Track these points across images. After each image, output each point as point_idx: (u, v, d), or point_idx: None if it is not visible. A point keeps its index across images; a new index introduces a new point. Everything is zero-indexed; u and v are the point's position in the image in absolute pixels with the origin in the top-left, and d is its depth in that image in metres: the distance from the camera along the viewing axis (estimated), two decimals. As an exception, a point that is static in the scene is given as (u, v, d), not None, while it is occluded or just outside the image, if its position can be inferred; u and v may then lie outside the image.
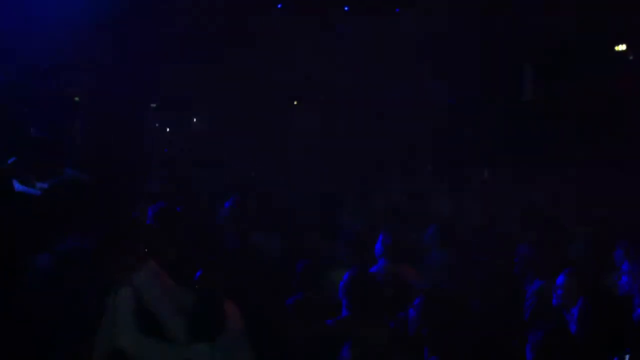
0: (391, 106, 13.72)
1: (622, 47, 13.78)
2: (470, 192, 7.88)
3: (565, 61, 13.14)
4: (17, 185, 7.48)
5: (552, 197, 8.18)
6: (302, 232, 6.86)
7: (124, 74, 11.04)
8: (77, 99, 11.25)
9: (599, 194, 8.38)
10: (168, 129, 13.14)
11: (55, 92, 10.03)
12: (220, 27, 12.40)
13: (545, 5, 12.62)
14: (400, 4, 13.79)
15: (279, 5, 13.62)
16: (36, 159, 8.27)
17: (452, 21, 13.03)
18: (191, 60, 11.96)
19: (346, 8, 13.74)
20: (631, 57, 13.90)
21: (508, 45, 13.09)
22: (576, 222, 6.91)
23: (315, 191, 9.17)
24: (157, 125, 12.78)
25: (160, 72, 11.61)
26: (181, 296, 4.52)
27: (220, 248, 5.62)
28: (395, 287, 5.46)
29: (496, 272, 5.26)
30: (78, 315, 4.64)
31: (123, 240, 4.96)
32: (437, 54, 13.43)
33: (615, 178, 9.46)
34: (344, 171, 10.34)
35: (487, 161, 11.67)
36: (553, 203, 7.91)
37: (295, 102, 14.61)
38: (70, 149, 9.40)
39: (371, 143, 13.16)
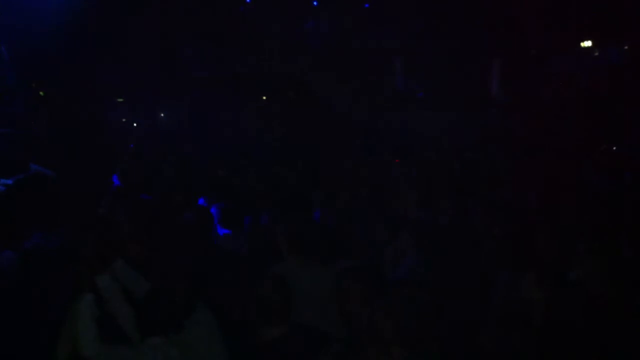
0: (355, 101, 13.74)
1: (587, 44, 13.95)
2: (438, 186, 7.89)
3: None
4: (-15, 183, 7.39)
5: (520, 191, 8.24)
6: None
7: (90, 68, 10.90)
8: (41, 93, 11.10)
9: (565, 187, 8.46)
10: (135, 123, 13.01)
11: (19, 86, 9.86)
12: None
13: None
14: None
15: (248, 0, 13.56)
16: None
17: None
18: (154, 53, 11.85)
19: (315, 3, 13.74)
20: (597, 54, 14.09)
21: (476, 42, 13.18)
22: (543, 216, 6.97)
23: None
24: (123, 119, 12.66)
25: (126, 67, 11.48)
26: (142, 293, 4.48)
27: (186, 244, 5.56)
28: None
29: (465, 268, 5.28)
30: (40, 319, 4.58)
31: (88, 240, 4.90)
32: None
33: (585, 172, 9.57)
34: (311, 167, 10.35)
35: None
36: (520, 197, 7.98)
37: (264, 97, 14.56)
38: (35, 144, 9.26)
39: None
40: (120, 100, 12.73)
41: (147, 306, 4.31)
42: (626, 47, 13.37)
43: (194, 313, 4.41)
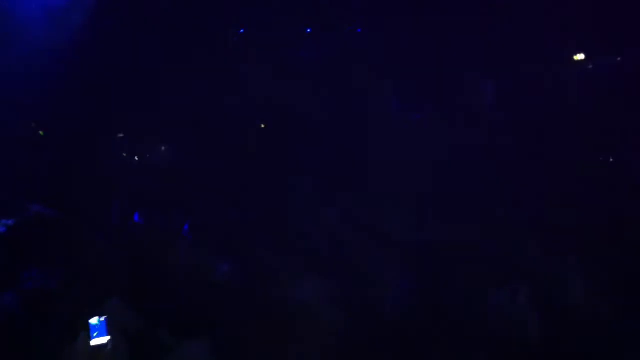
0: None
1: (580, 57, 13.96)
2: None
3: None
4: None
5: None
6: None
7: (88, 107, 10.97)
8: (41, 133, 11.18)
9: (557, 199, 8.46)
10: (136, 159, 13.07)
11: (18, 128, 9.99)
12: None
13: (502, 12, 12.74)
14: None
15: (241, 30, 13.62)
16: (-1, 196, 8.27)
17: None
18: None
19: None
20: (590, 66, 14.06)
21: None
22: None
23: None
24: (124, 154, 12.72)
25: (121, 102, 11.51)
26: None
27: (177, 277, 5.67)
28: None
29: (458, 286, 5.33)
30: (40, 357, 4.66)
31: (86, 280, 5.00)
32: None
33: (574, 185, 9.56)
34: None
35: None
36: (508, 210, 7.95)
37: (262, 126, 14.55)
38: (35, 185, 9.34)
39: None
40: (120, 135, 12.74)
41: (140, 339, 4.41)
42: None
43: (188, 340, 4.50)
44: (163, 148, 13.62)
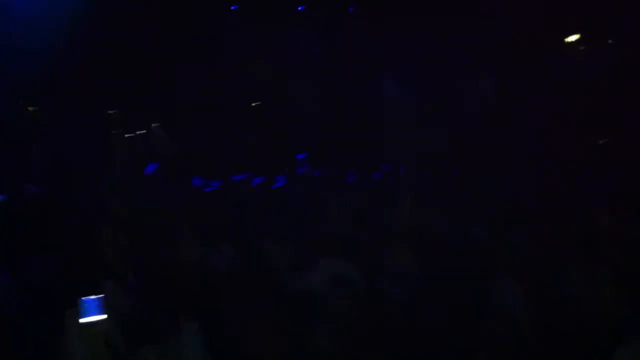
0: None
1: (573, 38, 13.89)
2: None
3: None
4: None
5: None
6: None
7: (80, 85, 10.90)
8: (30, 108, 11.10)
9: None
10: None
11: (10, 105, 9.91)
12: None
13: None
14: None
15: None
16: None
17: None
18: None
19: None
20: (582, 48, 14.02)
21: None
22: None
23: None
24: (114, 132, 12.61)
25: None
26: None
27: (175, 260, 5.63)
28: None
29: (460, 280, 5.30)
30: (37, 343, 4.60)
31: (83, 263, 4.97)
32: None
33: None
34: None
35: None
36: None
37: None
38: (27, 163, 9.29)
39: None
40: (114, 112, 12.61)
41: (136, 319, 4.39)
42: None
43: (184, 322, 4.48)
44: (162, 129, 13.55)
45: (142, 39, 11.43)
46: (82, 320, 4.25)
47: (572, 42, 13.93)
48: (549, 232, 6.01)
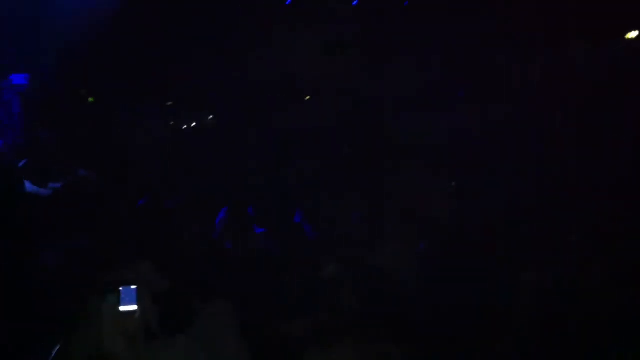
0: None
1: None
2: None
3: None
4: (29, 186, 7.79)
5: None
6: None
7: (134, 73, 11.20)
8: (91, 99, 11.50)
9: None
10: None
11: (66, 93, 10.28)
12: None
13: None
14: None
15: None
16: (47, 160, 8.57)
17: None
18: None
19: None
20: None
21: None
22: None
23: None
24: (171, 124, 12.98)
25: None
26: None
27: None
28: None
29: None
30: (74, 315, 4.84)
31: (118, 243, 5.20)
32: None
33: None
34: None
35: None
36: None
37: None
38: (81, 150, 9.62)
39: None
40: (169, 104, 12.96)
41: (166, 303, 4.60)
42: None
43: (211, 307, 4.69)
44: (208, 119, 13.84)
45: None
46: (120, 308, 4.37)
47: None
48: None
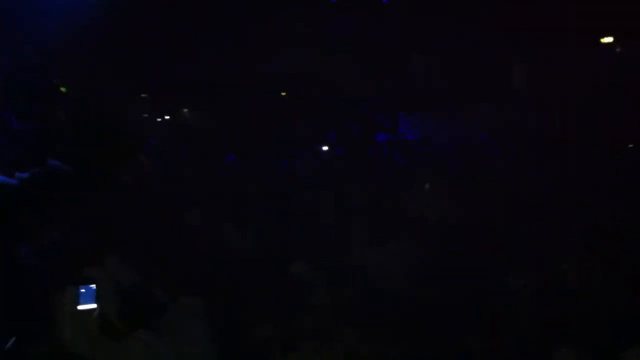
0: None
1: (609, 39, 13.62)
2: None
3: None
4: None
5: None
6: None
7: (111, 63, 11.05)
8: (63, 89, 11.26)
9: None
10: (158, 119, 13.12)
11: (40, 82, 10.06)
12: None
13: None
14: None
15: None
16: (17, 149, 8.33)
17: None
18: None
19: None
20: (618, 50, 13.78)
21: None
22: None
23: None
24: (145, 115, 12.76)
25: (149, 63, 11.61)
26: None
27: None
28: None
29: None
30: (48, 311, 4.67)
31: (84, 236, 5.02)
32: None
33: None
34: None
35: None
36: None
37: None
38: (54, 140, 9.41)
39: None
40: (144, 95, 12.84)
41: (136, 300, 4.42)
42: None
43: (184, 306, 4.51)
44: (185, 110, 13.70)
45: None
46: (78, 307, 4.30)
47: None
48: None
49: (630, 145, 10.90)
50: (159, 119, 13.06)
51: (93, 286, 4.32)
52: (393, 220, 6.40)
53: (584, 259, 5.19)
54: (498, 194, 7.57)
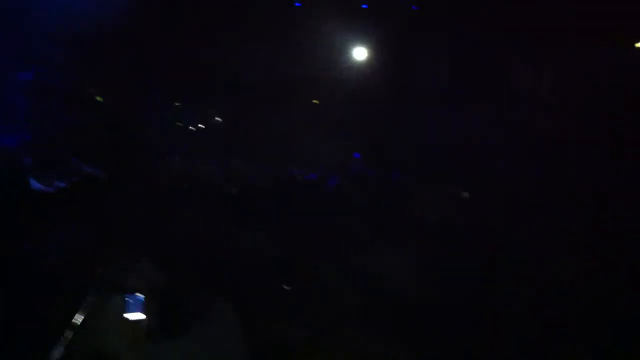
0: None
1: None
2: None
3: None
4: (35, 184, 7.84)
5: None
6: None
7: (139, 71, 11.25)
8: (99, 98, 11.53)
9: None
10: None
11: (73, 90, 10.33)
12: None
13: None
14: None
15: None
16: (52, 157, 8.62)
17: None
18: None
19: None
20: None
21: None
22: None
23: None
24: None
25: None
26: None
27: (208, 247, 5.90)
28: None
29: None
30: (70, 312, 4.86)
31: (119, 241, 5.22)
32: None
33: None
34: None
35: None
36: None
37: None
38: (86, 147, 9.66)
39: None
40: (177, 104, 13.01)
41: (167, 304, 4.63)
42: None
43: (214, 310, 4.71)
44: (212, 118, 13.84)
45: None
46: (126, 316, 4.42)
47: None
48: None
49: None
50: (185, 125, 13.17)
51: (141, 296, 4.41)
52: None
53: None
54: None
